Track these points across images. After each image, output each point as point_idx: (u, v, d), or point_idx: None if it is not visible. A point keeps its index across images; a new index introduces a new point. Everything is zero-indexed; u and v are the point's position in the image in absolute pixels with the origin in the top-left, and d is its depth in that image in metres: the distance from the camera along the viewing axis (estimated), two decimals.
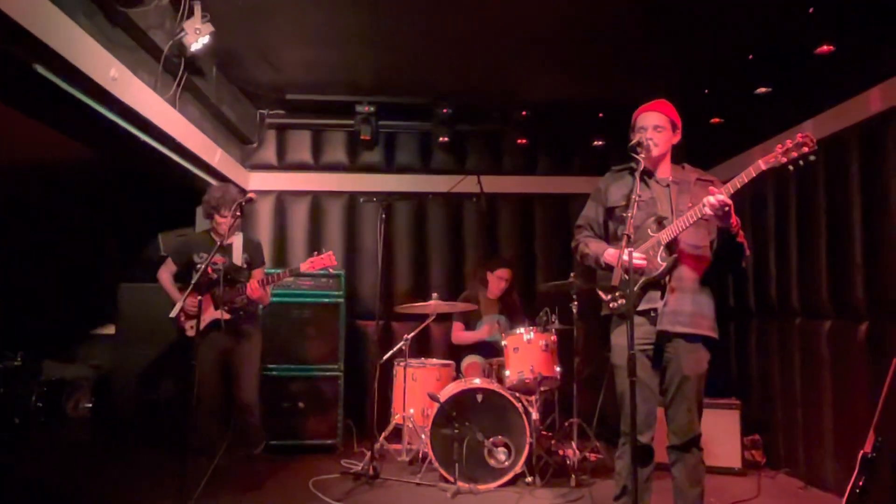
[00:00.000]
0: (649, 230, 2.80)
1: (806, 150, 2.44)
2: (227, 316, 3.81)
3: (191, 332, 3.83)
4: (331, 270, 4.25)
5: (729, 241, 2.71)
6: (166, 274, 4.06)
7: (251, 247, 4.12)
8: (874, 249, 3.69)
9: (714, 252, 2.83)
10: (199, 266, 3.82)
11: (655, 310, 2.78)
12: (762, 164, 2.50)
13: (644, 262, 2.73)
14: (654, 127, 2.86)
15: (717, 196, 2.54)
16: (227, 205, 3.84)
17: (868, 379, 3.64)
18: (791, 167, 2.48)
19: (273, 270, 4.85)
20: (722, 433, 4.35)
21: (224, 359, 3.91)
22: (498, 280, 5.06)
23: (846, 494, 3.29)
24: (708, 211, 2.57)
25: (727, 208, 2.56)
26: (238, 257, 3.98)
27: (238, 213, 3.57)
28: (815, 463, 4.11)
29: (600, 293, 2.97)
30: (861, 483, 3.25)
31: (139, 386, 5.16)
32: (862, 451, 3.29)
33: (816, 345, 4.12)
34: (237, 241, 4.03)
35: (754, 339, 4.93)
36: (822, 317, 4.11)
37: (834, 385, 3.98)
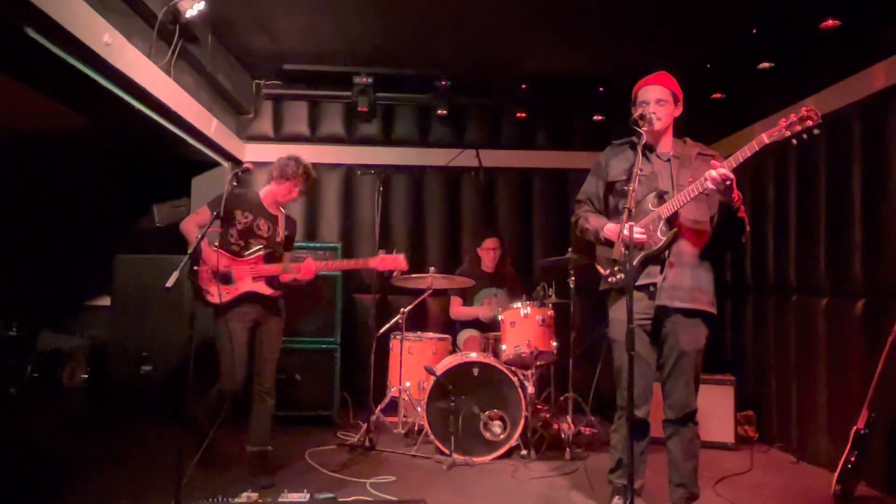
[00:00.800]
0: (650, 204, 2.79)
1: (810, 123, 2.41)
2: (269, 291, 3.56)
3: (214, 300, 3.44)
4: (396, 274, 3.96)
5: (730, 217, 2.70)
6: (193, 224, 3.57)
7: (291, 226, 3.83)
8: (873, 227, 3.69)
9: (714, 227, 2.82)
10: (241, 225, 3.52)
11: (654, 284, 2.78)
12: (765, 138, 2.48)
13: (644, 237, 2.72)
14: (657, 100, 2.83)
15: (720, 170, 2.52)
16: (301, 178, 3.61)
17: (863, 356, 3.65)
18: (794, 141, 2.46)
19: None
20: (716, 408, 4.38)
21: (251, 335, 3.60)
22: (487, 251, 5.07)
23: (838, 469, 3.33)
24: (710, 185, 2.55)
25: (729, 182, 2.54)
26: (281, 232, 3.70)
27: (235, 184, 3.45)
28: (807, 438, 4.15)
29: (599, 268, 2.97)
30: (853, 458, 3.30)
31: (135, 357, 5.16)
32: (855, 427, 3.33)
33: (812, 321, 4.13)
34: (282, 216, 3.75)
35: (750, 315, 4.94)
36: (819, 293, 4.11)
37: (828, 362, 4.00)
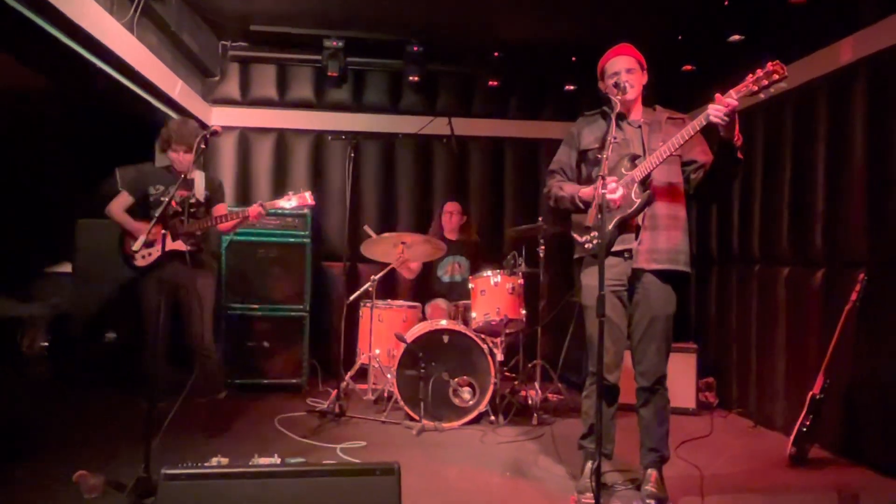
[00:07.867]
0: (623, 169, 2.81)
1: (776, 77, 2.42)
2: (186, 247, 3.70)
3: (141, 263, 3.74)
4: (306, 210, 4.15)
5: (730, 154, 2.65)
6: (118, 207, 3.82)
7: (213, 185, 3.99)
8: (835, 199, 3.78)
9: (712, 163, 2.79)
10: (153, 198, 3.76)
11: (630, 250, 2.81)
12: (733, 94, 2.49)
13: (620, 194, 2.73)
14: (627, 70, 2.87)
15: (723, 101, 2.48)
16: (184, 139, 3.68)
17: (821, 324, 3.78)
18: (762, 95, 2.47)
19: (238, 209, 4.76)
20: (678, 375, 4.45)
21: (174, 294, 3.76)
22: (448, 215, 5.08)
23: (794, 432, 3.46)
24: (714, 119, 2.51)
25: (729, 117, 2.50)
26: (200, 193, 3.85)
27: (203, 146, 3.41)
28: (765, 404, 4.29)
29: (574, 235, 2.97)
30: (808, 422, 3.42)
31: (96, 324, 5.07)
32: (811, 393, 3.45)
33: (774, 291, 4.25)
34: (199, 177, 3.90)
35: (714, 285, 5.06)
36: (781, 263, 4.22)
37: (788, 330, 4.12)
